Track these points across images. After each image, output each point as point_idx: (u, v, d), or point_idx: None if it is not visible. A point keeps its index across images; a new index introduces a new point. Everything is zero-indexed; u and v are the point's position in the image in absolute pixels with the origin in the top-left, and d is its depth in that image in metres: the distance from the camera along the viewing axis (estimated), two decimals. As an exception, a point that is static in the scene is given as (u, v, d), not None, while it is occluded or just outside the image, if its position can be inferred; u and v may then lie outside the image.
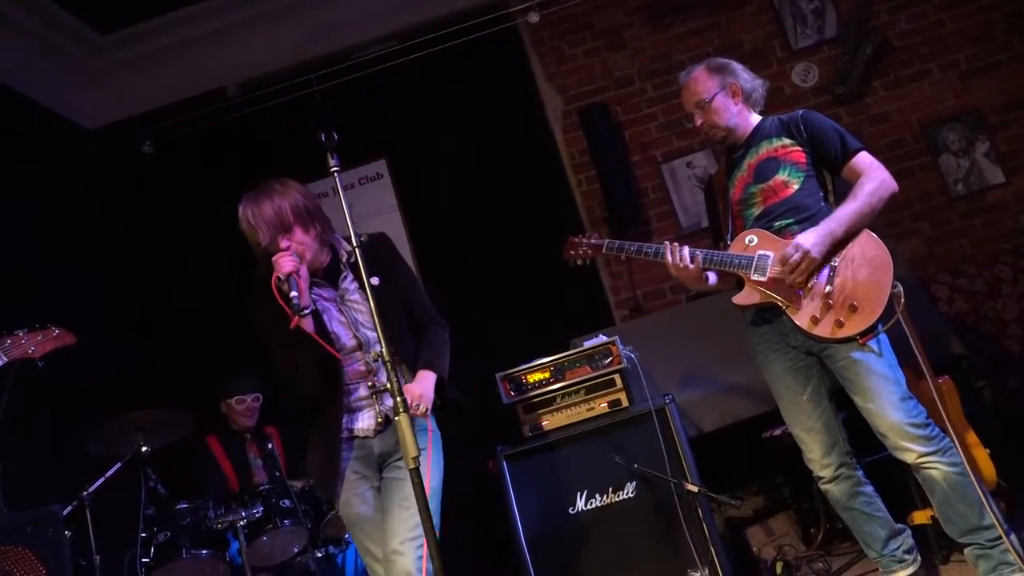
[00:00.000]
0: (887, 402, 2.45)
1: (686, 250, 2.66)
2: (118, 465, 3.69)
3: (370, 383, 2.29)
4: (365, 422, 2.45)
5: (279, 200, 2.36)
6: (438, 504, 2.38)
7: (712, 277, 2.75)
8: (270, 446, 4.12)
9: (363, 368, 2.45)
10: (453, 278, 5.00)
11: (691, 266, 2.65)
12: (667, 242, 2.70)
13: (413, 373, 2.46)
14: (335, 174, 2.06)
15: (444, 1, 5.08)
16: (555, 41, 5.23)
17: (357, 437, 2.45)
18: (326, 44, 5.14)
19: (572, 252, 2.90)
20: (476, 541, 4.30)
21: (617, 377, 3.24)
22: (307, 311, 2.28)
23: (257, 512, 3.56)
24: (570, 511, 3.16)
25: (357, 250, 2.12)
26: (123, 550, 3.56)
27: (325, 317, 2.44)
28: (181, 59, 5.12)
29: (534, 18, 4.98)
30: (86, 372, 3.14)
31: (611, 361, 3.24)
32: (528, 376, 3.31)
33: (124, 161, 5.20)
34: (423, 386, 2.40)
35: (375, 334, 2.34)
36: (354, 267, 2.45)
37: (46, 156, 4.75)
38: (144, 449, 3.67)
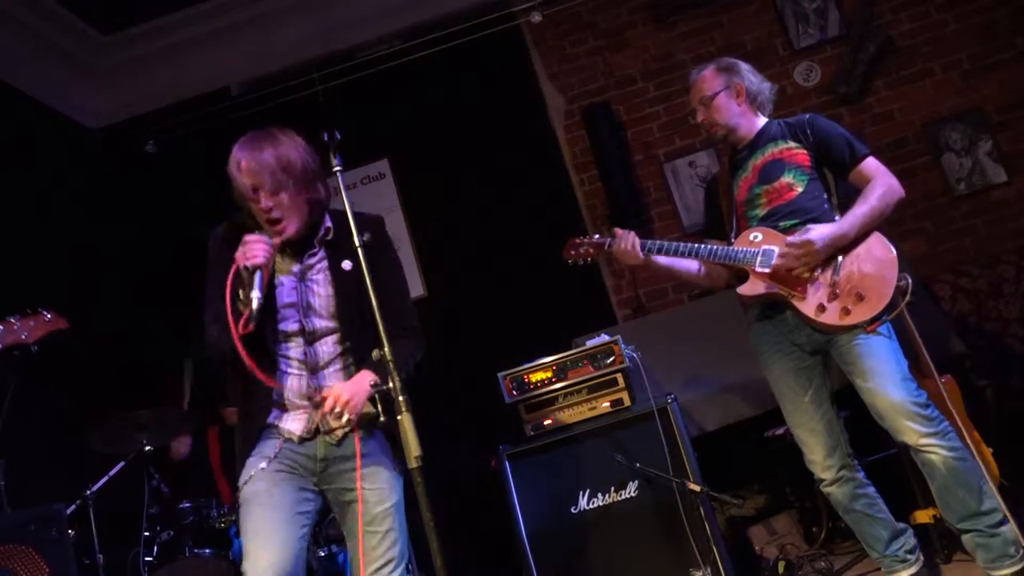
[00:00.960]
0: (888, 380, 2.44)
1: (632, 237, 2.75)
2: (121, 464, 3.70)
3: (308, 388, 2.10)
4: (293, 423, 2.14)
5: (284, 150, 2.10)
6: (401, 519, 2.17)
7: (660, 260, 2.82)
8: None
9: (301, 358, 2.16)
10: (455, 277, 5.01)
11: (640, 255, 2.74)
12: (618, 229, 2.79)
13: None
14: (338, 173, 2.05)
15: (447, 0, 5.08)
16: (557, 40, 5.23)
17: (284, 437, 2.14)
18: (329, 43, 5.15)
19: (572, 252, 2.90)
20: (478, 540, 4.30)
21: (619, 376, 3.24)
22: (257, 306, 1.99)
23: (260, 511, 3.56)
24: (572, 510, 3.16)
25: (360, 249, 2.01)
26: (126, 549, 3.58)
27: (278, 291, 2.17)
28: (184, 59, 5.13)
29: (536, 18, 4.99)
30: (89, 371, 3.15)
31: (613, 360, 3.24)
32: (530, 375, 3.31)
33: (127, 160, 5.20)
34: (353, 389, 2.04)
35: (327, 323, 2.16)
36: (329, 245, 2.22)
37: (49, 155, 4.77)
38: (147, 448, 3.68)
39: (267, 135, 2.14)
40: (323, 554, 3.71)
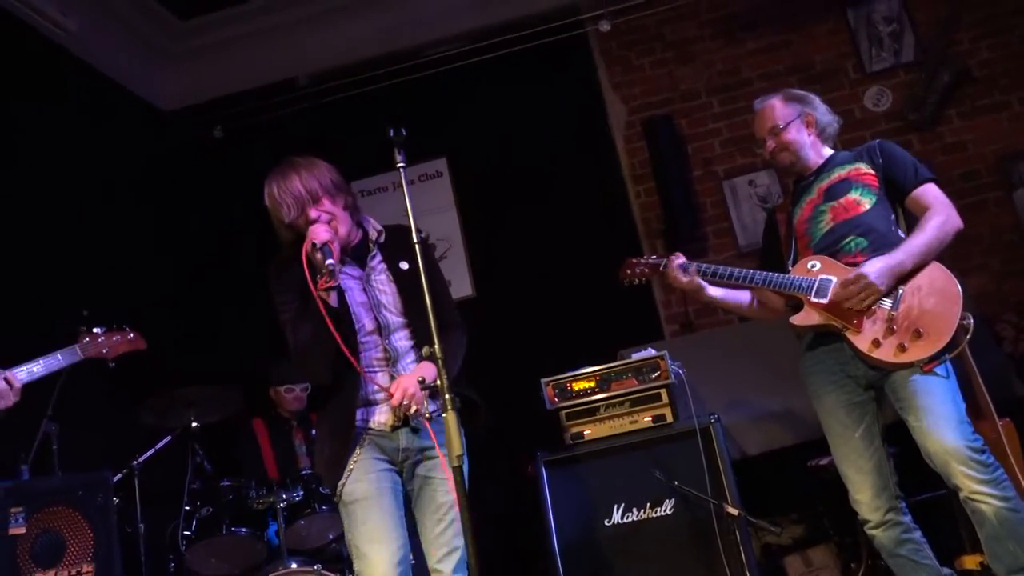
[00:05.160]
0: (943, 422, 2.35)
1: (686, 262, 2.74)
2: (168, 438, 3.79)
3: (391, 381, 2.25)
4: (382, 416, 2.32)
5: (306, 173, 2.33)
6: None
7: (713, 291, 2.79)
8: (314, 432, 4.18)
9: (381, 355, 2.34)
10: (505, 280, 5.02)
11: (698, 280, 2.72)
12: (673, 257, 2.78)
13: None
14: (401, 169, 2.07)
15: (516, 4, 5.11)
16: (623, 50, 5.21)
17: (372, 430, 2.32)
18: (397, 41, 5.21)
19: (628, 272, 2.89)
20: (508, 544, 4.30)
21: (663, 392, 3.21)
22: (336, 281, 2.23)
23: (297, 496, 3.62)
24: (606, 522, 3.14)
25: (417, 246, 2.08)
26: (166, 521, 3.66)
27: (348, 296, 2.35)
28: (256, 47, 5.25)
29: (605, 27, 4.98)
30: (147, 345, 3.25)
31: (658, 375, 3.22)
32: (574, 384, 3.31)
33: (195, 144, 5.34)
34: (412, 380, 2.21)
35: (398, 319, 2.35)
36: (383, 248, 2.43)
37: (122, 134, 4.92)
38: (194, 424, 3.76)
39: (292, 164, 2.36)
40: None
